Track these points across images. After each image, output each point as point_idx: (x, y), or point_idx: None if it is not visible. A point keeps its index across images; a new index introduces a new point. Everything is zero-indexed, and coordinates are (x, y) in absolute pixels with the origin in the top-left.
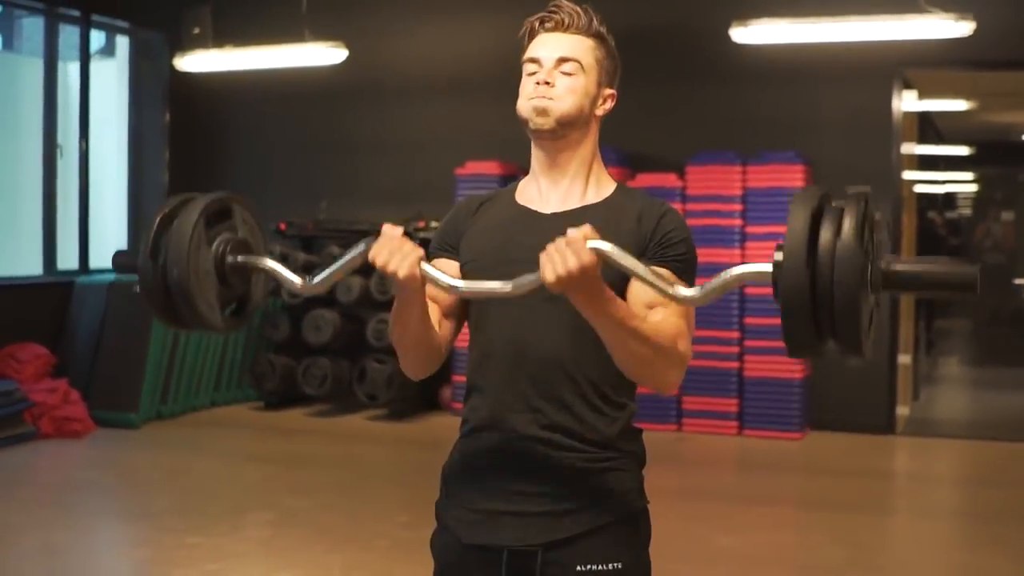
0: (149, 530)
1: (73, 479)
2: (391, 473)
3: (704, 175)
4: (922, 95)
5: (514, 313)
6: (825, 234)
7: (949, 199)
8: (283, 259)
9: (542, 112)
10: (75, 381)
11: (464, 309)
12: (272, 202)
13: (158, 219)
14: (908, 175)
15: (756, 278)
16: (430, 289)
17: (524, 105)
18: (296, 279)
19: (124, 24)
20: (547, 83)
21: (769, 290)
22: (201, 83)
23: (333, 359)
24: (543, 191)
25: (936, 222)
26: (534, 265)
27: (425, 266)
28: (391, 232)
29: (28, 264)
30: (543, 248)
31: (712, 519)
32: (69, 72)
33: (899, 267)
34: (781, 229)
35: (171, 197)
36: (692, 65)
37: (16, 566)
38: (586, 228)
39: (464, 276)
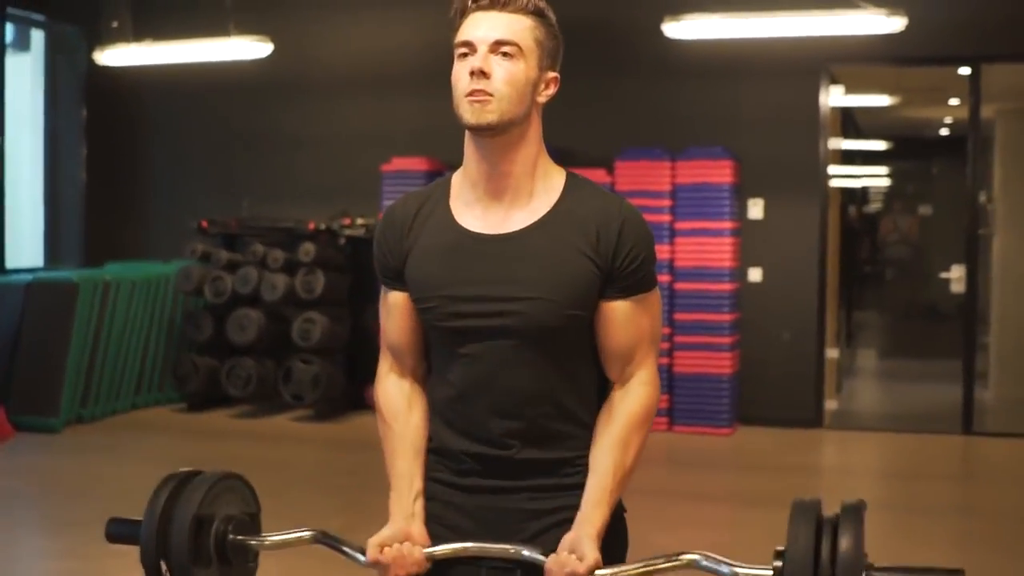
0: (73, 540)
1: None
2: (320, 476)
3: (632, 171)
4: (847, 90)
5: (475, 354)
6: (825, 549)
7: (865, 194)
8: (204, 258)
9: (480, 112)
10: None
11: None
12: (194, 199)
13: (158, 514)
14: (831, 170)
15: None
16: (399, 325)
17: (460, 102)
18: (306, 534)
19: (39, 17)
20: (482, 72)
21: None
22: (120, 78)
23: (258, 359)
24: (483, 198)
25: (852, 217)
26: (488, 302)
27: (428, 553)
28: (393, 555)
29: None
30: (495, 276)
31: (645, 516)
32: None
33: None
34: (709, 224)
35: (168, 479)
36: (622, 60)
37: None
38: (587, 563)
39: (421, 316)
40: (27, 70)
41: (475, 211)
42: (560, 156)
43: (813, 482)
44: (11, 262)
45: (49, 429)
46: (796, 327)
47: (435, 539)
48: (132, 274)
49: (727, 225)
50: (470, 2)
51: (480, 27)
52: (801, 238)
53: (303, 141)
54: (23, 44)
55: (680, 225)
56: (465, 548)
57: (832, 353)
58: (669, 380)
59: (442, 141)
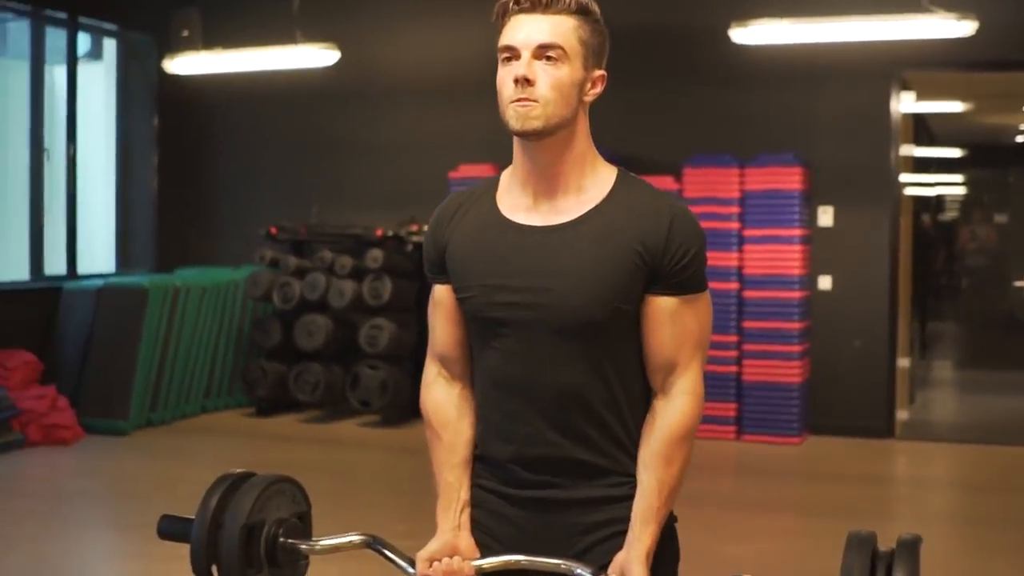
0: (140, 540)
1: (62, 488)
2: (387, 481)
3: (701, 177)
4: (919, 96)
5: (517, 347)
6: None
7: (939, 202)
8: (273, 264)
9: (525, 118)
10: (63, 388)
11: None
12: (264, 206)
13: (209, 519)
14: (904, 177)
15: None
16: (445, 319)
17: (506, 108)
18: (357, 539)
19: (112, 27)
20: (526, 79)
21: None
22: (190, 86)
23: (325, 365)
24: (531, 194)
25: (927, 225)
26: (528, 292)
27: (478, 565)
28: (442, 570)
29: (15, 270)
30: (537, 266)
31: (714, 526)
32: (56, 76)
33: None
34: (779, 232)
35: (219, 481)
36: (690, 66)
37: None
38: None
39: (462, 306)
40: (100, 78)
41: (521, 205)
42: (628, 163)
43: (883, 493)
44: (84, 268)
45: (118, 432)
46: (867, 336)
47: (482, 548)
48: (202, 280)
49: (797, 232)
50: (511, 4)
51: (522, 30)
52: (872, 246)
53: (371, 148)
54: (96, 53)
55: (749, 232)
56: (516, 561)
57: (904, 363)
58: (738, 388)
59: (509, 147)
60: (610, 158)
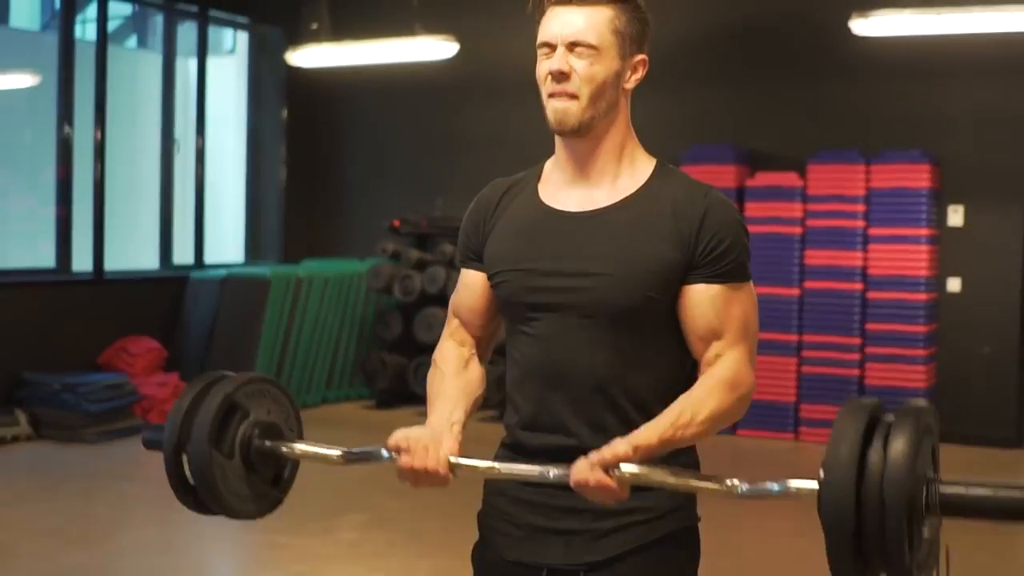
0: (238, 529)
1: None
2: None
3: (826, 174)
4: None
5: (547, 332)
6: (874, 456)
7: None
8: (395, 257)
9: (564, 119)
10: (186, 375)
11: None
12: (387, 198)
13: (183, 412)
14: None
15: (801, 495)
16: (469, 299)
17: (545, 104)
18: (335, 452)
19: (243, 19)
20: (562, 73)
21: (892, 295)
22: (318, 79)
23: None
24: (570, 181)
25: None
26: (561, 277)
27: (454, 461)
28: (417, 444)
29: (145, 258)
30: (570, 252)
31: None
32: (191, 68)
33: (953, 491)
34: (905, 231)
35: (195, 379)
36: (812, 59)
37: (105, 563)
38: (614, 451)
39: (496, 292)
40: (232, 71)
41: (560, 192)
42: (751, 158)
43: None
44: (215, 258)
45: None
46: (998, 341)
47: (504, 537)
48: (325, 271)
49: (924, 232)
50: None
51: (556, 24)
52: (1005, 247)
53: (494, 141)
54: (228, 46)
55: (874, 231)
56: (492, 468)
57: None
58: (860, 392)
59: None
60: (734, 153)
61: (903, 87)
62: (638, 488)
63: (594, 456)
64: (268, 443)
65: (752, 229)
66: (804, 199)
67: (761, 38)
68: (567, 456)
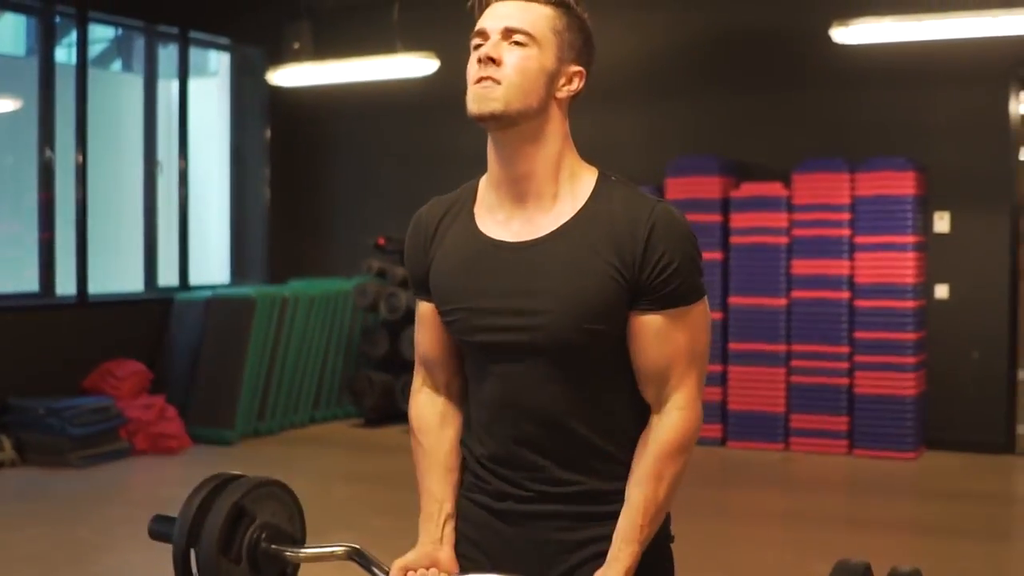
0: None
1: (160, 496)
2: None
3: (811, 183)
4: None
5: (500, 370)
6: None
7: None
8: (380, 274)
9: (483, 100)
10: (173, 397)
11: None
12: (372, 216)
13: (191, 514)
14: None
15: None
16: (430, 340)
17: (468, 92)
18: (339, 549)
19: (224, 40)
20: (490, 58)
21: (880, 303)
22: (300, 98)
23: None
24: (506, 205)
25: None
26: (507, 316)
27: None
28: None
29: (130, 281)
30: (513, 288)
31: (820, 542)
32: (172, 90)
33: None
34: (892, 239)
35: (207, 479)
36: (795, 69)
37: None
38: None
39: (446, 327)
40: (214, 92)
41: (497, 216)
42: (736, 169)
43: (1001, 511)
44: (200, 279)
45: (225, 441)
46: (986, 347)
47: (469, 561)
48: (311, 290)
49: (911, 239)
50: None
51: (494, 15)
52: (991, 253)
53: (477, 156)
54: (211, 68)
55: (861, 239)
56: None
57: None
58: (849, 401)
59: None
60: (718, 164)
61: (886, 95)
62: (602, 517)
63: None
64: (273, 547)
65: (738, 240)
66: (790, 209)
67: (743, 49)
68: (529, 485)
